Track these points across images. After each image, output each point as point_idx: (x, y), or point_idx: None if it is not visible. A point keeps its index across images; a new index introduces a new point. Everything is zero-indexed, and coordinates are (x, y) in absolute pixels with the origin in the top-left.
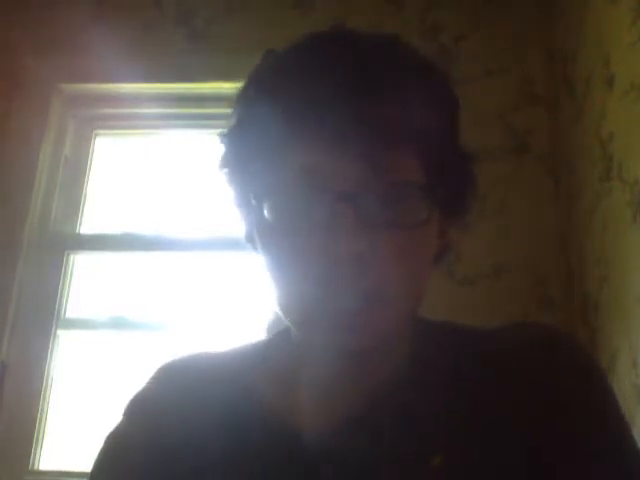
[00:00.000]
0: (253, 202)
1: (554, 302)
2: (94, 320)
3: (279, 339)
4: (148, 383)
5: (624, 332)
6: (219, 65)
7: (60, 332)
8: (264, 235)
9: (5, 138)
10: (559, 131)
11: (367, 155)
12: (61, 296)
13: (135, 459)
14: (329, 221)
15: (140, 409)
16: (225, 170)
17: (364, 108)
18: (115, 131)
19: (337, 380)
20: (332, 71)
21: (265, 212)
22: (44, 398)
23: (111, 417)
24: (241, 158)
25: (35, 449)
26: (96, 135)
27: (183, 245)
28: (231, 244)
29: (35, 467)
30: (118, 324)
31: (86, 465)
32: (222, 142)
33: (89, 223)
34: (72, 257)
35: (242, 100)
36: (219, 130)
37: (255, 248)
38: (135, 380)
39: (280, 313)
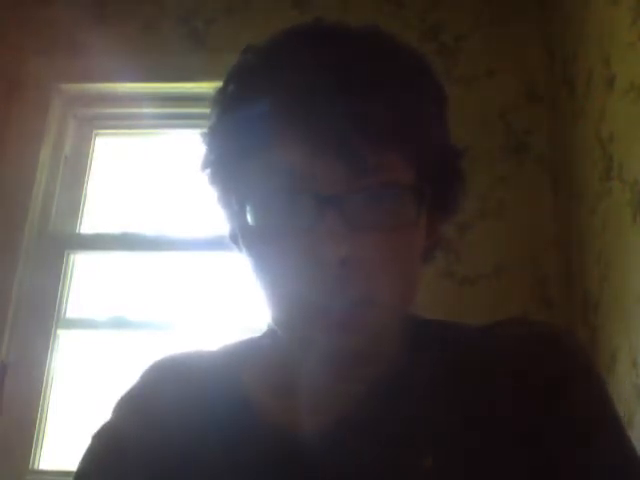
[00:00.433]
0: (235, 205)
1: (554, 302)
2: (94, 320)
3: (270, 337)
4: (138, 381)
5: (624, 332)
6: (219, 65)
7: (60, 332)
8: (247, 239)
9: (5, 138)
10: (559, 131)
11: (351, 156)
12: (61, 296)
13: (124, 457)
14: (314, 224)
15: (130, 407)
16: (206, 171)
17: (348, 107)
18: (115, 131)
19: (325, 381)
20: (314, 69)
21: (248, 216)
22: (44, 398)
23: (108, 414)
24: (222, 159)
25: (35, 449)
26: (96, 135)
27: (183, 245)
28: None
29: (35, 467)
30: (118, 324)
31: None
32: (203, 142)
33: (89, 223)
34: (72, 257)
35: (221, 99)
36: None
37: (239, 249)
38: (132, 378)
39: (267, 315)
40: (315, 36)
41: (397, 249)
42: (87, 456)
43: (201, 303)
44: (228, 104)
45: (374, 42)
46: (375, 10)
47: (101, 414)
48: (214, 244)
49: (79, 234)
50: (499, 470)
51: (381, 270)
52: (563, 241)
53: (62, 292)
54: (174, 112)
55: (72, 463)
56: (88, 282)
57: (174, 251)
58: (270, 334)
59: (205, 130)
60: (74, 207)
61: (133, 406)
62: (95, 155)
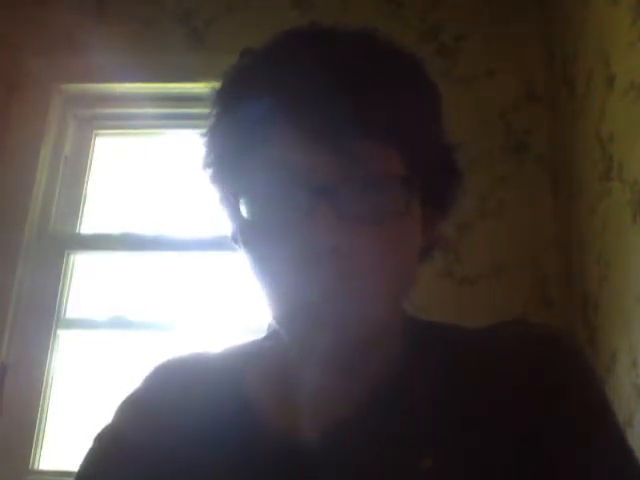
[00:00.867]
0: (232, 200)
1: (554, 302)
2: (94, 320)
3: (272, 338)
4: (142, 383)
5: (624, 332)
6: (219, 65)
7: (60, 332)
8: (243, 232)
9: (5, 138)
10: (559, 131)
11: (342, 148)
12: (61, 296)
13: (126, 459)
14: (306, 216)
15: (134, 409)
16: (207, 170)
17: (341, 104)
18: (115, 131)
19: (325, 382)
20: (309, 68)
21: (242, 209)
22: (44, 398)
23: (110, 416)
24: (221, 158)
25: (35, 449)
26: (96, 135)
27: (183, 245)
28: (231, 243)
29: (35, 467)
30: (118, 324)
31: None
32: (202, 142)
33: (89, 223)
34: (72, 257)
35: (219, 99)
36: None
37: (239, 247)
38: (135, 380)
39: (267, 313)
40: (311, 37)
41: (389, 240)
42: (88, 458)
43: (201, 303)
44: (225, 104)
45: (368, 43)
46: (375, 10)
47: (101, 414)
48: (214, 244)
49: (79, 234)
50: (499, 470)
51: (372, 260)
52: (563, 241)
53: (62, 292)
54: (174, 112)
55: (72, 463)
56: (88, 282)
57: (174, 251)
58: (272, 335)
59: (204, 130)
60: (74, 207)
61: (135, 408)
62: (95, 155)
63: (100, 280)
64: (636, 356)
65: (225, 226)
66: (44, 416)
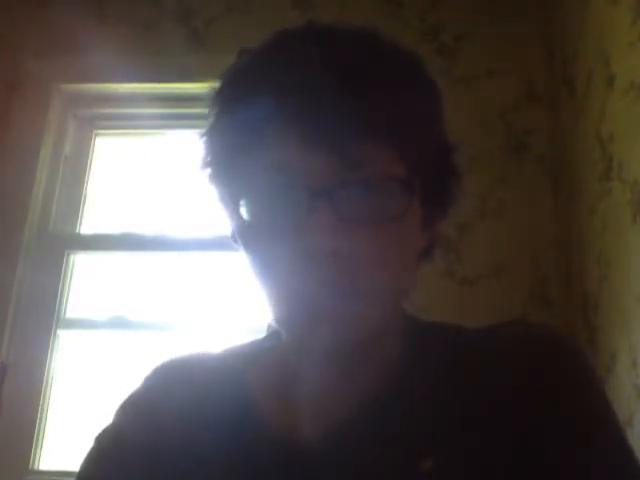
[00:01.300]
0: (230, 202)
1: (554, 302)
2: (94, 320)
3: (273, 338)
4: (143, 384)
5: (624, 332)
6: (219, 65)
7: (60, 332)
8: (243, 235)
9: (5, 138)
10: (559, 131)
11: (341, 149)
12: (61, 296)
13: (126, 459)
14: (305, 218)
15: (135, 409)
16: (205, 170)
17: (340, 104)
18: (115, 131)
19: (326, 383)
20: (308, 68)
21: (242, 211)
22: (44, 398)
23: (111, 417)
24: (219, 159)
25: (35, 449)
26: (96, 135)
27: (183, 245)
28: (231, 243)
29: (35, 467)
30: (118, 324)
31: None
32: (201, 142)
33: (89, 223)
34: (72, 257)
35: (217, 100)
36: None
37: (239, 247)
38: (135, 380)
39: (268, 313)
40: (309, 36)
41: (389, 242)
42: (89, 458)
43: (201, 303)
44: (223, 105)
45: (368, 42)
46: (375, 10)
47: (101, 414)
48: (214, 244)
49: (79, 234)
50: (499, 470)
51: (372, 262)
52: (563, 241)
53: (62, 292)
54: (174, 112)
55: (72, 463)
56: (88, 282)
57: (174, 251)
58: (272, 336)
59: (203, 130)
60: (74, 207)
61: (136, 409)
62: (95, 155)
63: (100, 280)
64: (636, 356)
65: (225, 226)
66: (44, 416)
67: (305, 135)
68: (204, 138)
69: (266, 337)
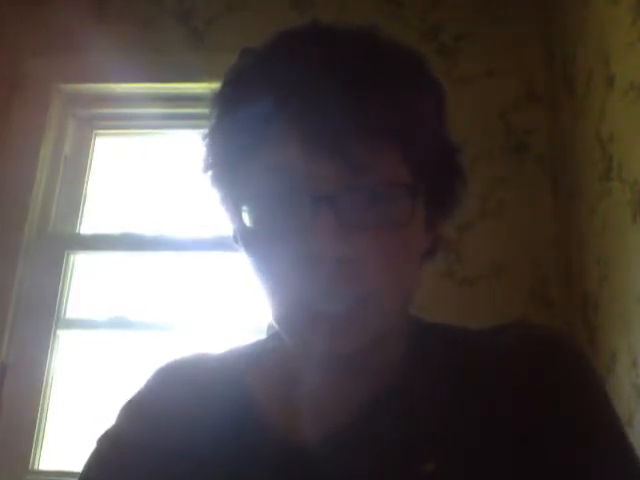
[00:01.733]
0: (232, 204)
1: (554, 302)
2: (94, 320)
3: (275, 339)
4: (144, 386)
5: (624, 332)
6: (219, 65)
7: (60, 332)
8: (245, 240)
9: (5, 138)
10: (559, 131)
11: (345, 155)
12: (61, 296)
13: (128, 461)
14: (308, 224)
15: (137, 411)
16: (207, 172)
17: (343, 107)
18: (115, 131)
19: (327, 385)
20: (310, 69)
21: (244, 214)
22: (44, 398)
23: (111, 417)
24: (221, 161)
25: (35, 449)
26: (96, 135)
27: (183, 245)
28: (231, 243)
29: (35, 467)
30: (118, 324)
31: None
32: (203, 145)
33: (89, 223)
34: (72, 257)
35: (219, 101)
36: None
37: (240, 248)
38: (135, 380)
39: (269, 316)
40: (311, 36)
41: (392, 248)
42: (91, 460)
43: (201, 303)
44: (225, 106)
45: (371, 42)
46: (375, 10)
47: (101, 414)
48: (214, 244)
49: (79, 234)
50: (499, 471)
51: (376, 269)
52: (563, 241)
53: (62, 292)
54: (174, 112)
55: (72, 463)
56: (88, 282)
57: (174, 251)
58: (274, 337)
59: (205, 132)
60: (74, 207)
61: (138, 411)
62: (95, 155)
63: (100, 280)
64: (636, 356)
65: (225, 226)
66: (44, 416)
67: (307, 137)
68: (205, 140)
69: (268, 338)
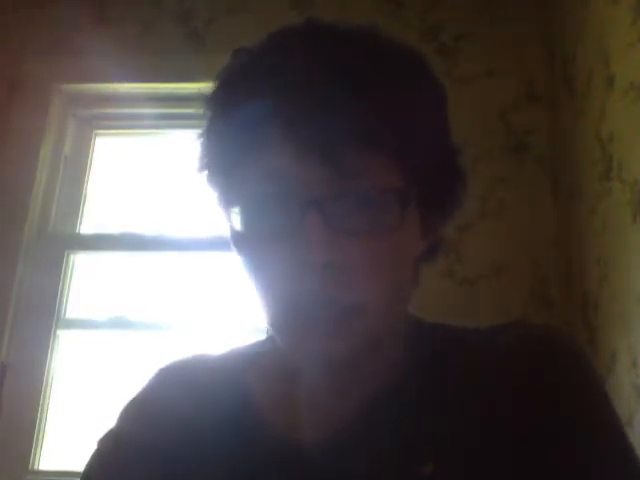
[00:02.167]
0: (223, 209)
1: (554, 302)
2: (94, 320)
3: (274, 340)
4: (144, 387)
5: (624, 332)
6: (219, 65)
7: (60, 332)
8: (236, 242)
9: (5, 138)
10: (559, 131)
11: (335, 160)
12: (61, 296)
13: (129, 462)
14: (297, 229)
15: (138, 411)
16: (203, 173)
17: (334, 110)
18: (115, 131)
19: (324, 386)
20: (302, 70)
21: (234, 218)
22: (44, 398)
23: (111, 417)
24: (214, 163)
25: (35, 449)
26: (96, 135)
27: (183, 245)
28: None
29: (35, 467)
30: (118, 324)
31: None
32: (198, 145)
33: (89, 223)
34: (72, 257)
35: (212, 102)
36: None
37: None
38: (135, 380)
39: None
40: (305, 36)
41: (381, 254)
42: (92, 460)
43: (201, 303)
44: (218, 108)
45: (367, 42)
46: (374, 10)
47: (101, 414)
48: (214, 244)
49: (79, 234)
50: (499, 471)
51: (366, 274)
52: (563, 241)
53: (62, 292)
54: (174, 112)
55: (72, 463)
56: (88, 282)
57: (174, 251)
58: (273, 337)
59: (199, 133)
60: (74, 207)
61: (139, 412)
62: (95, 155)
63: (100, 280)
64: (636, 356)
65: (224, 226)
66: (44, 416)
67: (299, 142)
68: (200, 140)
69: (267, 338)
